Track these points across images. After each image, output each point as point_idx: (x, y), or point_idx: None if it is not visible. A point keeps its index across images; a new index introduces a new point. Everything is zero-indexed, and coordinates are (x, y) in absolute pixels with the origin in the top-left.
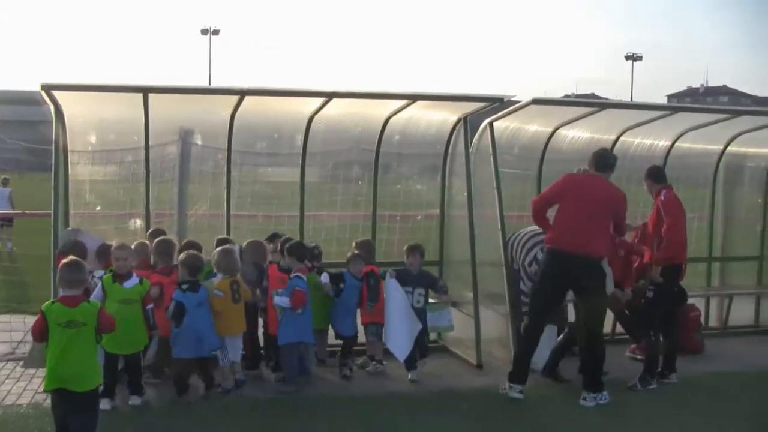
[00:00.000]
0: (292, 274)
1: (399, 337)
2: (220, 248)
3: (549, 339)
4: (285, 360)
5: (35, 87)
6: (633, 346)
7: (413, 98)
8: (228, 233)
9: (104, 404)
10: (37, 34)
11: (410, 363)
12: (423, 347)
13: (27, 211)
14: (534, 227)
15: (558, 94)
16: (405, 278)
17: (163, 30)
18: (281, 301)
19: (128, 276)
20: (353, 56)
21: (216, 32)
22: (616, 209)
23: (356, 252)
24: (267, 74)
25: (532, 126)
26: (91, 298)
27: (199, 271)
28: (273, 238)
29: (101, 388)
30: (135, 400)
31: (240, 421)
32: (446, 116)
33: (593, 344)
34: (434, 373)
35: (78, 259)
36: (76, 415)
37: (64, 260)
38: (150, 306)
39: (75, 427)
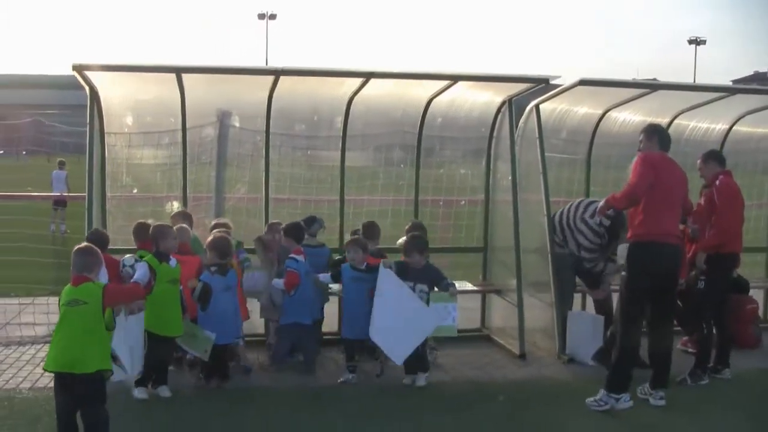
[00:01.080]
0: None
1: (394, 335)
2: (215, 231)
3: (595, 328)
4: (277, 340)
5: None
6: (685, 338)
7: (454, 78)
8: (266, 217)
9: (140, 393)
10: (94, 21)
11: (422, 363)
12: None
13: (70, 194)
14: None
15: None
16: (405, 271)
17: (221, 14)
18: (277, 283)
19: (169, 256)
20: (401, 37)
21: (273, 17)
22: (686, 190)
23: (354, 236)
24: (323, 58)
25: (581, 108)
26: (136, 279)
27: (228, 255)
28: (310, 221)
29: (110, 373)
30: (165, 392)
31: (264, 411)
32: (490, 98)
33: (669, 340)
34: (475, 363)
35: (91, 245)
36: (83, 404)
37: (77, 246)
38: (180, 287)
39: (85, 420)
